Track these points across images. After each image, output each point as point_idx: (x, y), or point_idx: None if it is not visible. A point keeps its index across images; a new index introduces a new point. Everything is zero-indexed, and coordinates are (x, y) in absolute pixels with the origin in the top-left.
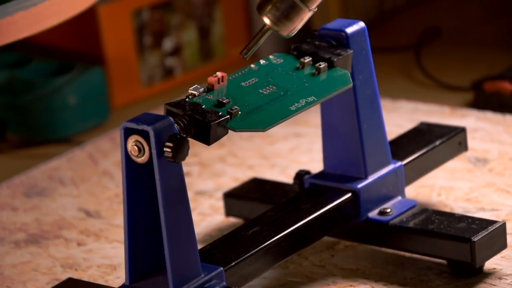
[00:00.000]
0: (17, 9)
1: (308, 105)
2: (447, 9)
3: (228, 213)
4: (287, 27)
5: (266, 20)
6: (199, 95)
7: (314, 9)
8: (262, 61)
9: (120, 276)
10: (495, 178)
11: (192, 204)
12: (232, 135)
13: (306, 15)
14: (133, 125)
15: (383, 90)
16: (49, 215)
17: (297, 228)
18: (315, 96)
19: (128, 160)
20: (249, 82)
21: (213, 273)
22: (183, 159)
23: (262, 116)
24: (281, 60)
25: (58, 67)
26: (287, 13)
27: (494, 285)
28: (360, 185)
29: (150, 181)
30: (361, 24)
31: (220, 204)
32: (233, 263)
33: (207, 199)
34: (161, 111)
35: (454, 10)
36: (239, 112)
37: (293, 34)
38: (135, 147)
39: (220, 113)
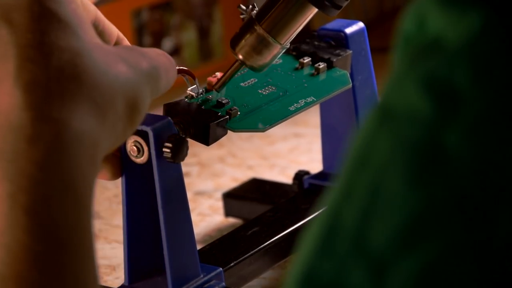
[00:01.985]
0: None
1: (308, 105)
2: None
3: (228, 213)
4: (258, 62)
5: (239, 56)
6: (198, 96)
7: (286, 45)
8: None
9: (119, 276)
10: None
11: (191, 205)
12: (231, 136)
13: (278, 51)
14: None
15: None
16: None
17: (297, 228)
18: (314, 97)
19: (127, 160)
20: (248, 83)
21: (213, 274)
22: (182, 159)
23: (262, 116)
24: (280, 61)
25: None
26: (260, 50)
27: None
28: None
29: (149, 182)
30: (361, 24)
31: (220, 204)
32: (232, 264)
33: (206, 199)
34: (160, 112)
35: None
36: (238, 113)
37: (265, 69)
38: (134, 147)
39: (219, 114)
